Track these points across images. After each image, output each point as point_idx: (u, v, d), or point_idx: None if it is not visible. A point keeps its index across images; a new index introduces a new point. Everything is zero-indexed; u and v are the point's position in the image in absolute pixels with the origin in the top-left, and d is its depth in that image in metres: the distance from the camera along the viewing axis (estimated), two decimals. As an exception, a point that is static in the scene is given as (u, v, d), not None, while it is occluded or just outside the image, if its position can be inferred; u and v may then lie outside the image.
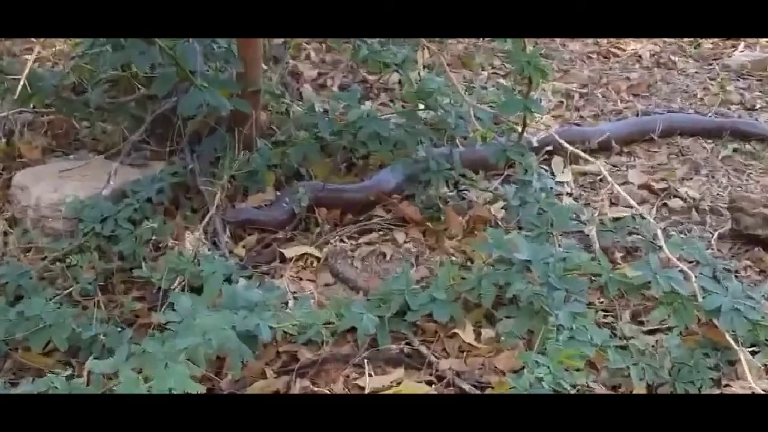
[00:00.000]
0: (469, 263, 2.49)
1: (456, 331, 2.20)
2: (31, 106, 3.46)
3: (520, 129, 2.75)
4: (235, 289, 2.05)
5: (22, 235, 2.77)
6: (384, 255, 2.64)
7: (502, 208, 2.84)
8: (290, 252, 2.64)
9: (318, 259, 2.62)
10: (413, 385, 2.01)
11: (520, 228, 2.58)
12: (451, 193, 2.91)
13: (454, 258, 2.53)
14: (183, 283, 2.37)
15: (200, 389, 1.63)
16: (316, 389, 2.03)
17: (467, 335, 2.19)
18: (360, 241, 2.72)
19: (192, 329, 1.81)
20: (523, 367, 1.92)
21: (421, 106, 3.04)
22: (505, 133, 2.77)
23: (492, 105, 3.01)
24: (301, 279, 2.54)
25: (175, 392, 1.56)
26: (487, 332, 2.21)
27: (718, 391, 2.01)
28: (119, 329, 2.23)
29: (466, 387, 2.00)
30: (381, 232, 2.77)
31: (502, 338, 2.14)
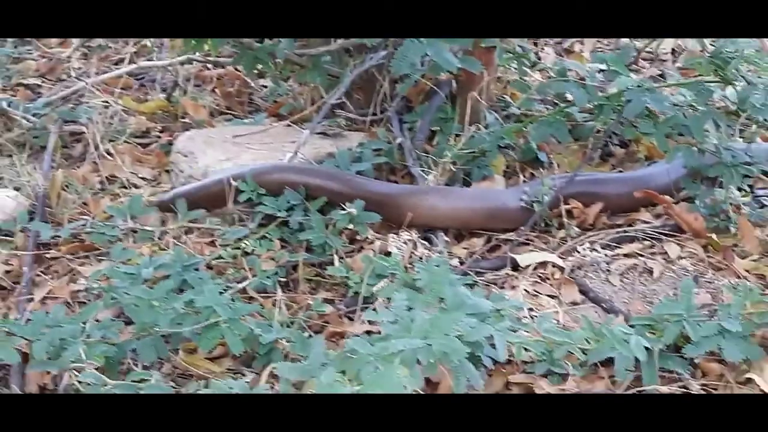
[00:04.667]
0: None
1: (751, 376, 2.19)
2: (201, 53, 3.67)
3: None
4: (463, 293, 2.13)
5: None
6: (650, 272, 2.66)
7: (817, 223, 2.81)
8: (526, 259, 2.70)
9: (562, 270, 2.67)
10: (690, 443, 2.03)
11: None
12: (745, 198, 2.89)
13: (749, 282, 2.51)
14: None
15: (420, 401, 1.72)
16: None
17: (766, 383, 2.17)
18: (618, 251, 2.75)
19: (409, 331, 1.90)
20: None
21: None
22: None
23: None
24: (538, 294, 2.59)
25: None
26: (794, 382, 2.19)
27: None
28: (307, 335, 2.36)
29: (763, 449, 2.00)
30: (647, 243, 2.78)
31: (818, 390, 2.12)
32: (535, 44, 4.11)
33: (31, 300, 2.64)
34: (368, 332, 2.23)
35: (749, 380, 2.19)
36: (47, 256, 2.87)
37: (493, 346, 2.15)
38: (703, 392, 2.13)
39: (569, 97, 3.18)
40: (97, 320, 2.32)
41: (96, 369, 2.13)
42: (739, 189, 2.89)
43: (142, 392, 2.00)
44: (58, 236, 2.88)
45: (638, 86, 2.84)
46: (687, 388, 2.18)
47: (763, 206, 2.86)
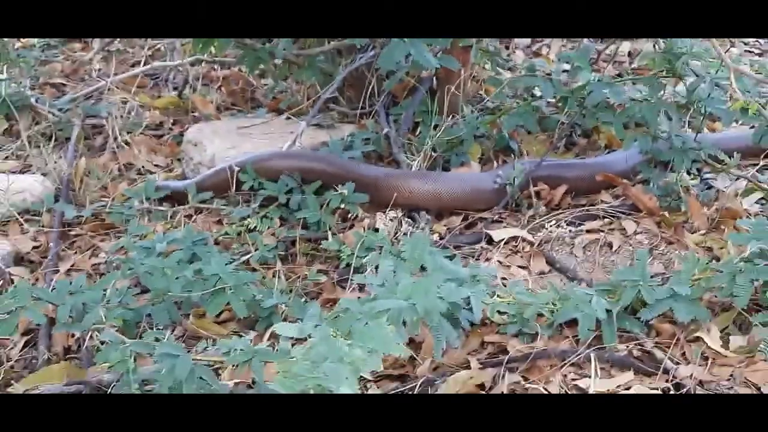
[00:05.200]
0: (714, 262, 2.47)
1: (699, 335, 2.19)
2: (209, 53, 3.67)
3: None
4: (442, 260, 2.13)
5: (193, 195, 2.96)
6: (610, 246, 2.66)
7: (756, 202, 2.81)
8: (499, 234, 2.71)
9: (531, 244, 2.68)
10: (645, 391, 2.03)
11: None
12: (693, 181, 2.89)
13: (697, 254, 2.51)
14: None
15: (405, 352, 1.70)
16: (527, 385, 2.08)
17: (713, 341, 2.17)
18: (581, 228, 2.75)
19: (394, 293, 1.90)
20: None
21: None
22: (769, 107, 2.73)
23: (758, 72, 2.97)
24: (510, 265, 2.59)
25: (377, 354, 1.63)
26: (737, 340, 2.19)
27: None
28: (304, 301, 2.36)
29: (712, 399, 2.00)
30: (606, 220, 2.79)
31: (760, 347, 2.11)
32: (507, 47, 4.11)
33: (56, 272, 2.63)
34: (358, 298, 2.22)
35: (698, 338, 2.20)
36: (71, 233, 2.86)
37: (470, 309, 2.15)
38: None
39: (537, 92, 3.20)
40: (115, 288, 2.31)
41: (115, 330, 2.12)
42: (689, 173, 2.89)
43: (154, 351, 1.99)
44: (81, 216, 2.87)
45: (599, 80, 2.84)
46: (642, 346, 2.18)
47: (709, 187, 2.87)
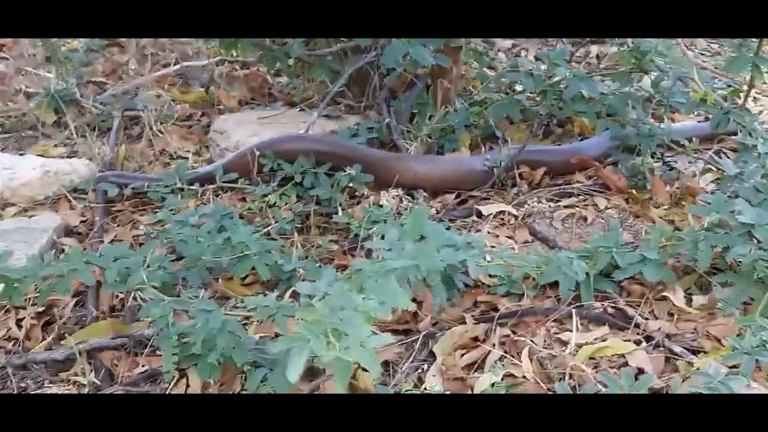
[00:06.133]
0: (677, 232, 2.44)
1: (666, 294, 2.16)
2: (231, 54, 3.64)
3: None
4: (440, 229, 2.09)
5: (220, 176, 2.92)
6: (585, 219, 2.63)
7: (711, 182, 2.78)
8: (488, 209, 2.67)
9: (516, 217, 2.64)
10: (620, 343, 1.99)
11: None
12: (657, 164, 2.86)
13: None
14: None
15: (411, 306, 1.66)
16: (515, 338, 2.04)
17: (677, 299, 2.14)
18: (559, 203, 2.72)
19: (401, 256, 1.87)
20: (740, 334, 1.88)
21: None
22: (728, 97, 2.69)
23: (716, 67, 2.93)
24: (498, 235, 2.56)
25: (387, 306, 1.59)
26: (699, 299, 2.16)
27: None
28: (318, 266, 2.32)
29: (678, 349, 1.96)
30: (581, 197, 2.75)
31: (719, 305, 2.08)
32: (491, 49, 4.06)
33: (101, 242, 2.58)
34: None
35: (664, 298, 2.17)
36: (113, 209, 2.81)
37: (465, 273, 2.12)
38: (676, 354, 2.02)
39: (519, 87, 3.16)
40: (154, 255, 2.27)
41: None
42: (653, 156, 2.86)
43: (190, 308, 1.94)
44: (122, 194, 2.82)
45: (574, 75, 2.80)
46: (616, 304, 2.15)
47: (671, 169, 2.84)
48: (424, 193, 2.78)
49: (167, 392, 1.95)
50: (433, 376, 1.97)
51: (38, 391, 2.00)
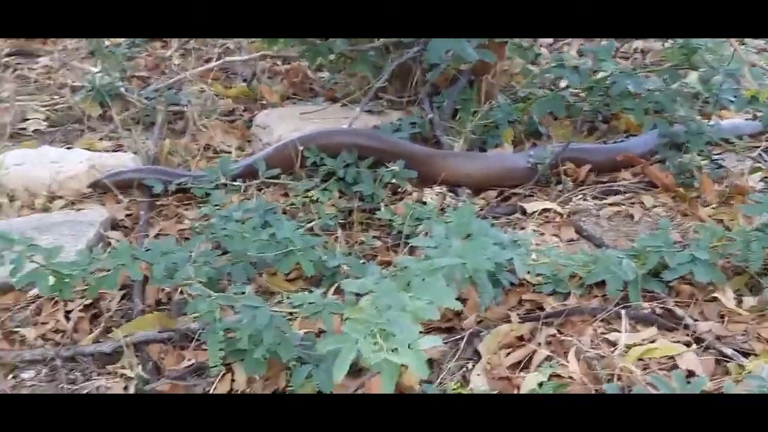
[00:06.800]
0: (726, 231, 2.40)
1: (715, 295, 2.13)
2: (273, 51, 3.64)
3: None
4: (486, 226, 2.07)
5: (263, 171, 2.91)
6: (631, 217, 2.60)
7: (761, 180, 2.74)
8: (532, 206, 2.65)
9: (561, 215, 2.61)
10: (669, 344, 1.96)
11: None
12: (705, 161, 2.82)
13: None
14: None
15: (458, 306, 1.65)
16: (562, 338, 2.02)
17: (728, 300, 2.11)
18: (605, 201, 2.69)
19: (447, 254, 1.85)
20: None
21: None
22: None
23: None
24: (543, 233, 2.53)
25: (432, 305, 1.57)
26: (749, 300, 2.12)
27: None
28: (362, 262, 2.31)
29: (728, 351, 1.93)
30: (627, 195, 2.72)
31: (771, 306, 2.05)
32: (533, 45, 4.03)
33: (146, 236, 2.59)
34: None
35: (714, 299, 2.13)
36: (158, 203, 2.82)
37: (510, 271, 2.10)
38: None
39: (562, 84, 3.13)
40: (200, 250, 2.27)
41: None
42: (701, 153, 2.82)
43: (236, 303, 1.94)
44: (167, 189, 2.83)
45: (621, 72, 2.76)
46: (664, 305, 2.12)
47: (719, 167, 2.80)
48: (467, 191, 2.76)
49: (213, 386, 1.96)
50: (478, 375, 1.95)
51: (86, 383, 2.02)
